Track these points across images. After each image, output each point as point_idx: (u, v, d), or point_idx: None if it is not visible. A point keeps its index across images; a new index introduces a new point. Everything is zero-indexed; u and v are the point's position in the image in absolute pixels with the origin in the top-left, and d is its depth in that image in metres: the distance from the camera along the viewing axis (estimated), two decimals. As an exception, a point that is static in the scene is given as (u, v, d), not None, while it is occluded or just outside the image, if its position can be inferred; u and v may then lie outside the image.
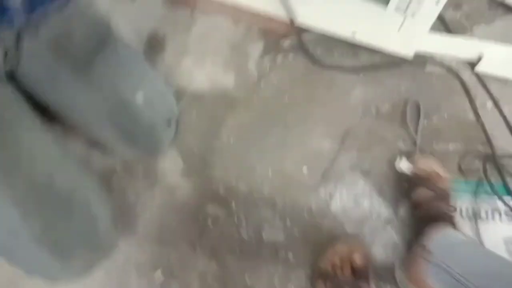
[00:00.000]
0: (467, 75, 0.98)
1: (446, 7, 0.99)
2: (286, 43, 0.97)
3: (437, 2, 0.84)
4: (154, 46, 0.96)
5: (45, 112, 0.81)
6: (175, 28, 0.97)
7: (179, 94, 0.94)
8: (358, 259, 0.89)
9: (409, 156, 0.95)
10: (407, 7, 0.86)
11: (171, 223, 0.94)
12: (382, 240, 0.94)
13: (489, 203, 0.95)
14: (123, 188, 0.95)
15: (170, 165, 0.94)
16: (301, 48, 0.97)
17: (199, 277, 0.91)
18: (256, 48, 0.97)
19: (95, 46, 0.72)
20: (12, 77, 0.69)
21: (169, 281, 0.91)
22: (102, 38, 0.73)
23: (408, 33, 0.91)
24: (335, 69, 0.97)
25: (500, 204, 0.94)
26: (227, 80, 0.97)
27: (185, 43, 0.96)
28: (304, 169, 0.96)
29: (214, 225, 0.93)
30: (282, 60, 0.97)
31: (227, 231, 0.93)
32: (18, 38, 0.65)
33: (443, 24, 1.00)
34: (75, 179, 0.67)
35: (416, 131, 0.96)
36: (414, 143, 0.96)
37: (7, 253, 0.62)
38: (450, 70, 0.98)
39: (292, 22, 0.94)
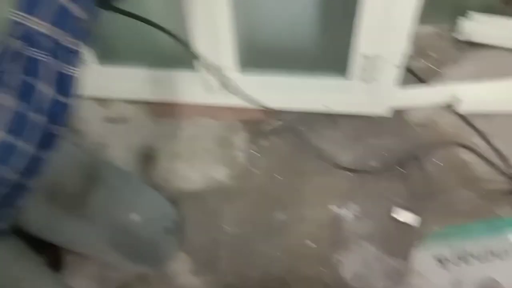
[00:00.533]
0: (449, 118, 1.00)
1: (413, 57, 1.03)
2: (267, 127, 1.03)
3: (395, 64, 0.87)
4: (148, 158, 1.04)
5: (54, 248, 0.89)
6: (164, 138, 1.05)
7: (178, 197, 1.01)
8: None
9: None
10: (367, 75, 0.90)
11: (194, 323, 0.98)
12: (403, 298, 0.94)
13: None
14: (143, 297, 1.00)
15: (180, 267, 0.99)
16: (282, 130, 1.02)
17: None
18: (240, 138, 1.03)
19: (85, 185, 0.80)
20: (16, 229, 0.77)
21: None
22: (91, 176, 0.81)
23: (377, 95, 0.95)
24: (317, 146, 1.02)
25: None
26: (219, 174, 1.02)
27: (175, 149, 1.04)
28: (310, 242, 0.98)
29: (234, 318, 0.96)
30: (267, 144, 1.03)
31: (248, 321, 0.96)
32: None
33: (413, 75, 1.02)
34: None
35: (412, 184, 0.98)
36: (412, 195, 0.97)
37: None
38: (431, 117, 1.00)
39: (267, 109, 1.01)
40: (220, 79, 0.96)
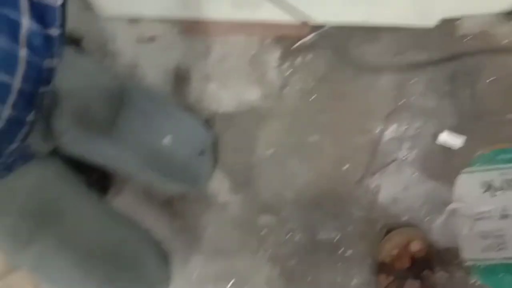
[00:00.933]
0: (507, 28, 0.87)
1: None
2: (301, 44, 0.96)
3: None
4: (180, 78, 1.01)
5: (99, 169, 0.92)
6: (195, 57, 1.01)
7: (211, 119, 1.00)
8: (415, 248, 0.88)
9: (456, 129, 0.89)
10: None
11: (231, 237, 1.01)
12: (441, 223, 0.90)
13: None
14: (183, 211, 1.04)
15: (218, 185, 1.01)
16: (317, 46, 0.95)
17: (267, 282, 0.98)
18: (273, 57, 0.97)
19: (113, 108, 0.80)
20: (56, 151, 0.80)
21: (241, 288, 1.00)
22: (119, 99, 0.81)
23: (423, 3, 0.84)
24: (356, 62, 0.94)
25: None
26: (252, 94, 0.99)
27: (207, 68, 1.00)
28: (346, 166, 0.95)
29: (269, 234, 0.98)
30: (301, 62, 0.96)
31: (282, 238, 0.97)
32: (48, 121, 0.76)
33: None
34: (123, 235, 0.76)
35: (460, 103, 0.89)
36: (460, 115, 0.89)
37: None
38: (485, 27, 0.88)
39: (300, 23, 0.93)
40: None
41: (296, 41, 0.96)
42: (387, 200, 0.92)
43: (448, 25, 0.89)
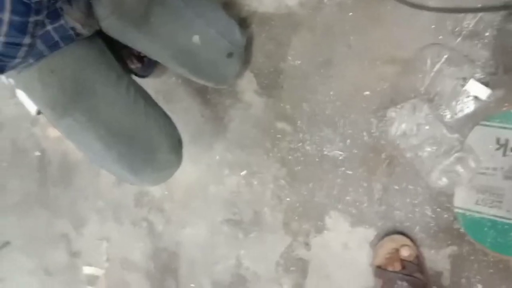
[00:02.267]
0: None
1: None
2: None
3: None
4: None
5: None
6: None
7: (249, 18, 1.01)
8: (405, 253, 0.92)
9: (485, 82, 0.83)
10: None
11: (250, 134, 1.10)
12: (442, 167, 0.90)
13: None
14: (215, 101, 1.13)
15: (246, 85, 1.07)
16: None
17: (273, 178, 1.08)
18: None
19: (146, 2, 0.84)
20: (99, 33, 0.89)
21: (251, 179, 1.12)
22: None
23: None
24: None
25: None
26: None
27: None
28: (367, 92, 0.95)
29: (283, 139, 1.05)
30: (347, -25, 0.90)
31: (294, 145, 1.04)
32: (90, 6, 0.83)
33: None
34: (143, 122, 0.87)
35: (502, 53, 0.81)
36: (496, 65, 0.82)
37: (104, 168, 0.92)
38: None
39: None
40: None
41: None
42: (397, 133, 0.93)
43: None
